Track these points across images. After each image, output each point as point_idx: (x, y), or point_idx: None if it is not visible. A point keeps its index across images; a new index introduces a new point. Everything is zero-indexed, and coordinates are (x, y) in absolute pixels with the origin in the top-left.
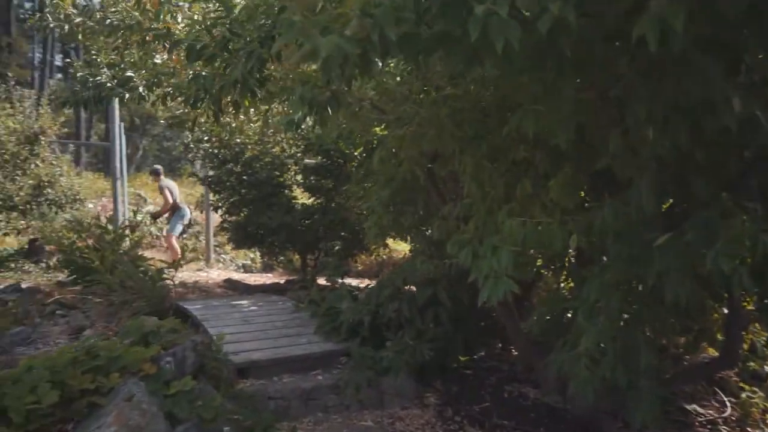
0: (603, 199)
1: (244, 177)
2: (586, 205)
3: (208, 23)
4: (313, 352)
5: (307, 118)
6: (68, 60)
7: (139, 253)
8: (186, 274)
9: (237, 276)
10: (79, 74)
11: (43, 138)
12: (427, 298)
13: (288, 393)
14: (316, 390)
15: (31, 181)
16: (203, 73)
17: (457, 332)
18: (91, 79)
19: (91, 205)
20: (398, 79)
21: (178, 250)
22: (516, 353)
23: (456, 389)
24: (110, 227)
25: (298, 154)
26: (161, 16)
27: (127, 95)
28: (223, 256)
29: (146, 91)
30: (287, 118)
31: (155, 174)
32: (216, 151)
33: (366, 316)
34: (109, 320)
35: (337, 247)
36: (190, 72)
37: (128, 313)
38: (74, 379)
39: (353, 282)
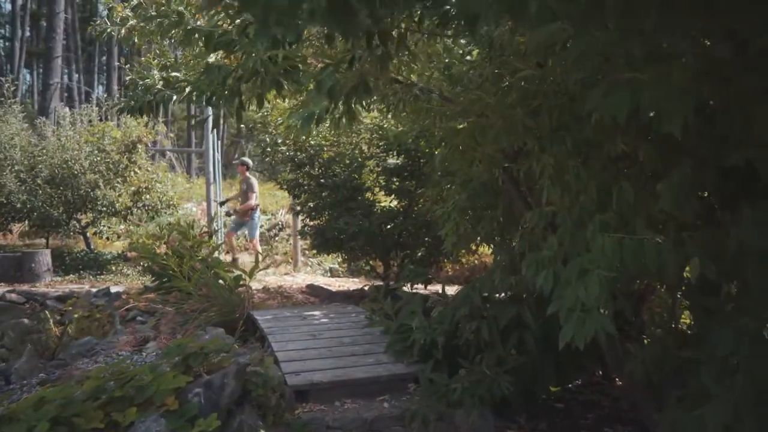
0: (739, 209)
1: (322, 180)
2: (713, 216)
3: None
4: (380, 375)
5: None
6: (119, 64)
7: (221, 259)
8: (272, 279)
9: (322, 281)
10: (128, 77)
11: (140, 146)
12: (509, 318)
13: (348, 423)
14: (380, 421)
15: (132, 188)
16: (218, 65)
17: (547, 356)
18: (140, 83)
19: (194, 209)
20: (469, 58)
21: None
22: (620, 384)
23: (543, 427)
24: (192, 232)
25: (380, 155)
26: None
27: (174, 97)
28: (310, 259)
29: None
30: (305, 112)
31: (244, 165)
32: (291, 153)
33: (440, 336)
34: (177, 330)
35: (420, 253)
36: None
37: (197, 323)
38: (84, 416)
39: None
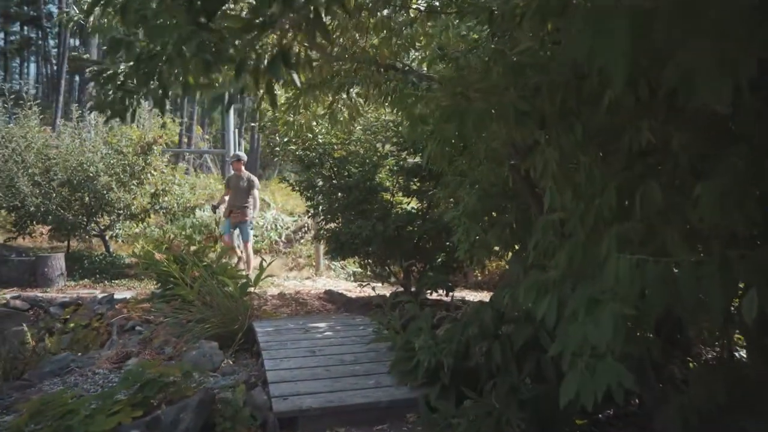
0: None
1: (334, 181)
2: None
3: None
4: (380, 401)
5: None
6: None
7: (229, 264)
8: (292, 284)
9: (344, 286)
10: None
11: (155, 147)
12: (525, 339)
13: None
14: None
15: (152, 190)
16: (127, 40)
17: None
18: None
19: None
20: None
21: (253, 261)
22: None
23: None
24: (196, 237)
25: (399, 154)
26: None
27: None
28: (334, 263)
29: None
30: (215, 92)
31: (240, 161)
32: (300, 153)
33: (447, 357)
34: (168, 343)
35: (440, 259)
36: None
37: (193, 335)
38: None
39: (470, 295)
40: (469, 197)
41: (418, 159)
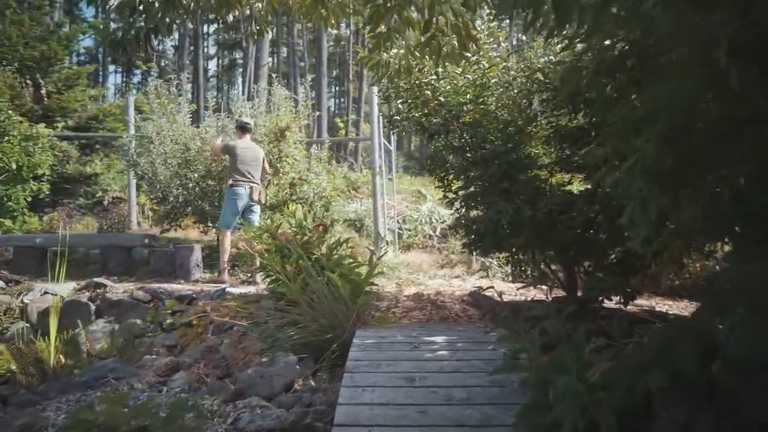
0: None
1: (468, 155)
2: None
3: None
4: None
5: None
6: None
7: (347, 257)
8: (437, 282)
9: (499, 287)
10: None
11: (288, 134)
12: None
13: None
14: None
15: (288, 179)
16: None
17: None
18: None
19: (362, 205)
20: None
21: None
22: None
23: None
24: (306, 224)
25: (549, 114)
26: None
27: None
28: (489, 260)
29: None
30: None
31: (243, 129)
32: (421, 118)
33: (606, 415)
34: (245, 353)
35: (614, 255)
36: None
37: (279, 343)
38: None
39: (662, 304)
40: (647, 141)
41: (579, 118)
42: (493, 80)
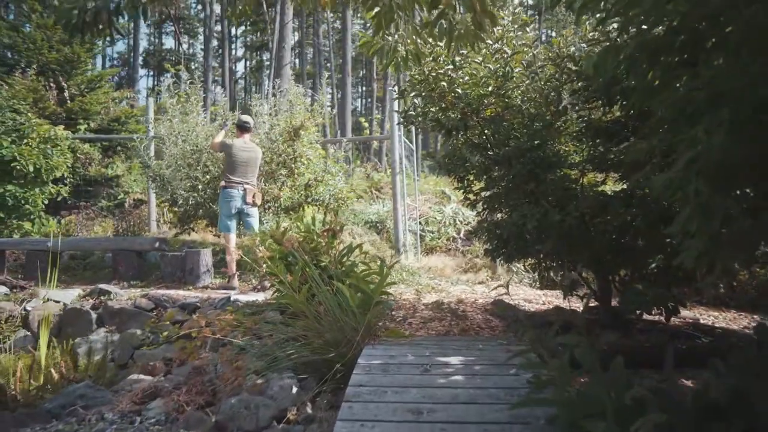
0: None
1: (490, 153)
2: None
3: None
4: None
5: None
6: None
7: (358, 265)
8: (459, 289)
9: (524, 294)
10: None
11: (302, 132)
12: None
13: None
14: None
15: (305, 181)
16: None
17: None
18: None
19: (384, 206)
20: None
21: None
22: None
23: None
24: (314, 228)
25: (581, 107)
26: None
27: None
28: (516, 264)
29: None
30: None
31: (242, 129)
32: (437, 111)
33: None
34: (235, 374)
35: (655, 264)
36: None
37: (277, 362)
38: None
39: (706, 315)
40: (709, 132)
41: (616, 110)
42: (517, 70)
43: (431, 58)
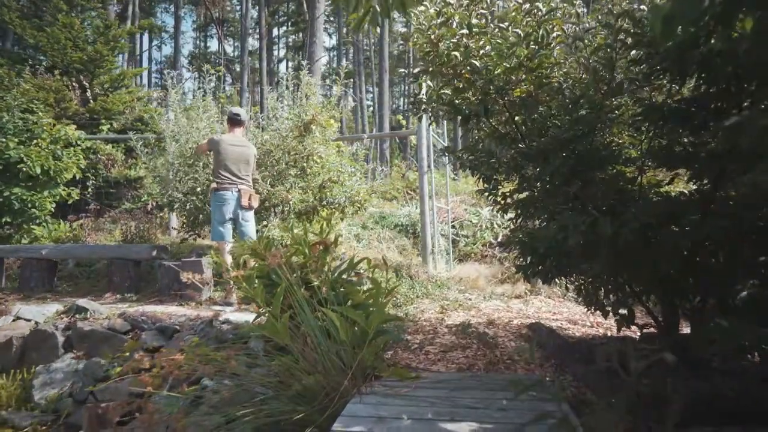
0: None
1: (521, 145)
2: None
3: None
4: None
5: None
6: None
7: (355, 286)
8: (492, 305)
9: (569, 313)
10: None
11: (314, 127)
12: None
13: None
14: None
15: (319, 181)
16: None
17: None
18: None
19: (416, 207)
20: None
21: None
22: None
23: None
24: (306, 242)
25: (639, 83)
26: None
27: None
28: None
29: None
30: None
31: (232, 122)
32: (452, 93)
33: None
34: None
35: (746, 290)
36: None
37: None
38: None
39: None
40: None
41: (691, 86)
42: (556, 33)
43: (440, 19)
